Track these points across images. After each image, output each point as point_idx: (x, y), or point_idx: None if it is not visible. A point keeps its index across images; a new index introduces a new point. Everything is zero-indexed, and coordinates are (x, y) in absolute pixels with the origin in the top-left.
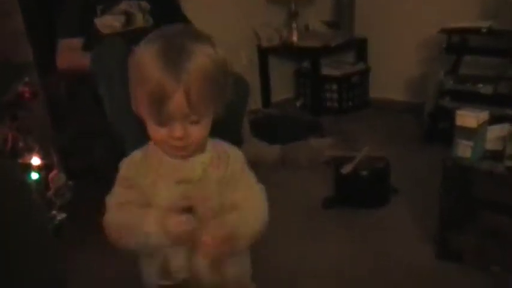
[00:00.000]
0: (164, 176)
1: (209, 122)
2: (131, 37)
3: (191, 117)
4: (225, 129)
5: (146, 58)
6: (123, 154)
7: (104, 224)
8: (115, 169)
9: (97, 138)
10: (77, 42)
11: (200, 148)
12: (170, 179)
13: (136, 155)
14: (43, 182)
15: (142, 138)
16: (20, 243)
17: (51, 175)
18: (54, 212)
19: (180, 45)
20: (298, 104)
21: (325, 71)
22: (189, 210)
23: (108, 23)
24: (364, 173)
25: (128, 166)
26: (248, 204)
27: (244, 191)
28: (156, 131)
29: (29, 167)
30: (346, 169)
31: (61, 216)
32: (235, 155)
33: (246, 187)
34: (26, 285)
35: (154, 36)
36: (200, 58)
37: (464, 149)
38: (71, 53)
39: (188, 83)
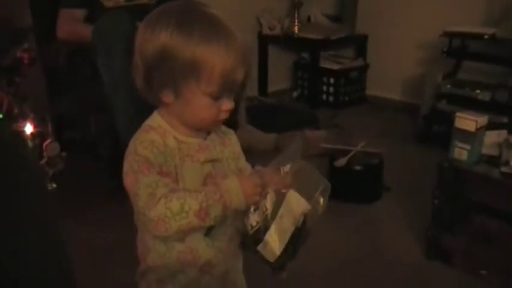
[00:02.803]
0: (189, 156)
1: None
2: (134, 12)
3: (240, 88)
4: None
5: (199, 33)
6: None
7: (158, 218)
8: (109, 143)
9: (93, 111)
10: (79, 13)
11: None
12: (195, 159)
13: (153, 137)
14: (36, 150)
15: (133, 113)
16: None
17: (45, 144)
18: (45, 182)
19: (220, 21)
20: (294, 95)
21: (324, 64)
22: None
23: None
24: (358, 167)
25: (153, 150)
26: None
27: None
28: (206, 109)
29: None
30: (340, 162)
31: (51, 186)
32: (229, 131)
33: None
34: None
35: (188, 23)
36: (238, 34)
37: (460, 152)
38: (72, 24)
39: (248, 58)
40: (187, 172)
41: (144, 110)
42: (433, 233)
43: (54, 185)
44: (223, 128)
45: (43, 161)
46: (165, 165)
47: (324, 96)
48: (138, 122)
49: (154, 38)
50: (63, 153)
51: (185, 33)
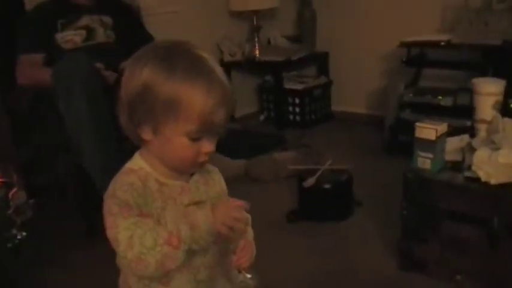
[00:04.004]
0: (172, 199)
1: None
2: (92, 52)
3: (221, 131)
4: None
5: (183, 75)
6: (84, 169)
7: (135, 259)
8: (77, 185)
9: (59, 153)
10: (38, 57)
11: None
12: (179, 201)
13: (132, 180)
14: (3, 200)
15: (99, 153)
16: None
17: (11, 193)
18: (14, 230)
19: (205, 62)
20: (261, 118)
21: (288, 84)
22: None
23: (69, 38)
24: (327, 186)
25: (133, 194)
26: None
27: None
28: (185, 149)
29: None
30: (309, 183)
31: (21, 234)
32: (213, 169)
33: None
34: None
35: (172, 60)
36: (224, 76)
37: (423, 161)
38: (31, 68)
39: (230, 100)
40: (170, 215)
41: (111, 148)
42: (404, 245)
43: (24, 233)
44: (208, 166)
45: (10, 211)
46: (146, 208)
47: (291, 117)
48: (105, 160)
49: (137, 74)
50: (31, 201)
51: (167, 69)
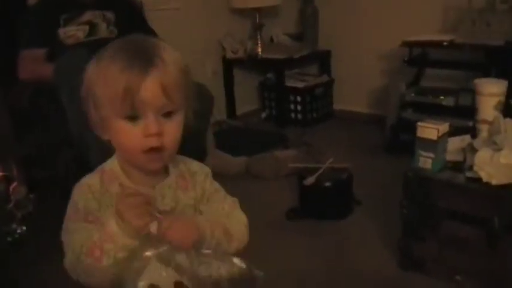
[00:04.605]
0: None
1: (181, 121)
2: (94, 47)
3: (165, 108)
4: (188, 141)
5: (108, 58)
6: (87, 164)
7: (68, 267)
8: (78, 179)
9: (60, 148)
10: (40, 52)
11: (170, 160)
12: None
13: (92, 181)
14: (3, 194)
15: (101, 148)
16: None
17: (11, 187)
18: (14, 225)
19: (144, 41)
20: (263, 115)
21: (289, 82)
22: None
23: (71, 33)
24: (327, 184)
25: (87, 196)
26: (229, 213)
27: (217, 206)
28: (127, 134)
29: None
30: (309, 181)
31: (21, 229)
32: (199, 170)
33: (218, 201)
34: None
35: (112, 46)
36: (168, 49)
37: (425, 161)
38: (33, 63)
39: (161, 67)
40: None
41: None
42: (404, 243)
43: (24, 228)
44: (194, 166)
45: (11, 205)
46: (98, 213)
47: (292, 115)
48: (107, 155)
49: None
50: (32, 195)
51: (97, 61)
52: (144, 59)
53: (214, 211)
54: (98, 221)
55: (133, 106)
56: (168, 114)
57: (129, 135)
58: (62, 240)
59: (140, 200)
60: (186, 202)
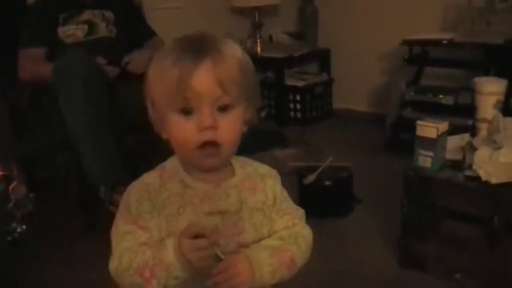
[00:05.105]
0: (192, 205)
1: (240, 116)
2: (93, 47)
3: (220, 101)
4: None
5: (164, 54)
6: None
7: (114, 272)
8: (77, 181)
9: (60, 148)
10: (39, 51)
11: (229, 158)
12: (199, 209)
13: (151, 179)
14: (3, 194)
15: (96, 151)
16: None
17: (11, 187)
18: (14, 224)
19: (202, 35)
20: (262, 114)
21: (289, 81)
22: (202, 235)
23: (71, 32)
24: (327, 183)
25: (142, 195)
26: (298, 233)
27: (288, 219)
28: (181, 128)
29: None
30: (309, 180)
31: (21, 228)
32: (268, 172)
33: (290, 213)
34: None
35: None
36: (229, 42)
37: (424, 159)
38: (33, 63)
39: (216, 58)
40: (183, 225)
41: (109, 146)
42: (404, 242)
43: (24, 227)
44: (263, 168)
45: (11, 204)
46: (146, 218)
47: (292, 114)
48: (102, 159)
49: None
50: (31, 194)
51: (154, 59)
52: (197, 50)
53: (285, 227)
54: (147, 228)
55: (186, 98)
56: (224, 109)
57: (183, 129)
58: (111, 238)
59: (205, 244)
60: (253, 205)
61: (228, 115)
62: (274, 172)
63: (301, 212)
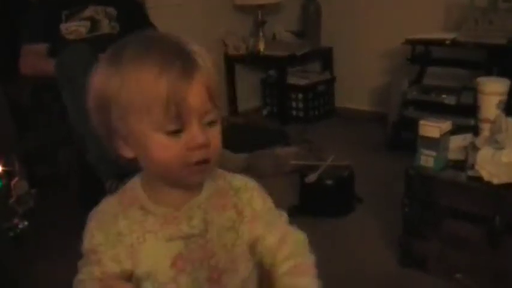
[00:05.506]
0: (152, 232)
1: (221, 129)
2: (96, 43)
3: (209, 115)
4: None
5: (133, 60)
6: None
7: None
8: (79, 177)
9: (61, 145)
10: (42, 47)
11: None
12: (160, 235)
13: (107, 207)
14: (5, 189)
15: (100, 146)
16: None
17: (13, 182)
18: (16, 220)
19: (172, 38)
20: (264, 112)
21: (291, 80)
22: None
23: (73, 28)
24: (329, 182)
25: (93, 229)
26: (297, 241)
27: (278, 232)
28: (167, 149)
29: None
30: (311, 178)
31: (23, 224)
32: (244, 185)
33: (277, 225)
34: None
35: (119, 53)
36: (200, 47)
37: (426, 159)
38: (35, 59)
39: (204, 69)
40: (147, 253)
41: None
42: (405, 241)
43: (26, 223)
44: (237, 181)
45: (12, 200)
46: (100, 249)
47: (294, 112)
48: (106, 153)
49: (90, 87)
50: (33, 190)
51: (113, 64)
52: (184, 59)
53: (278, 241)
54: (101, 262)
55: (179, 116)
56: (210, 123)
57: (170, 150)
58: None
59: None
60: (222, 224)
61: (215, 129)
62: (251, 184)
63: (285, 217)
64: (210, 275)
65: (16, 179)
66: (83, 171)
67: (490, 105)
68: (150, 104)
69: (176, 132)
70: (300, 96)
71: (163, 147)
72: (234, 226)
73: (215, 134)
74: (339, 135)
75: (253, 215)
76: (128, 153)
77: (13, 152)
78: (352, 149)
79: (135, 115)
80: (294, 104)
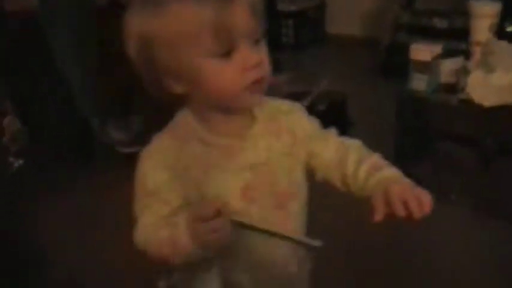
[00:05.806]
0: (217, 164)
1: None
2: None
3: (256, 33)
4: None
5: (171, 5)
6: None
7: (137, 245)
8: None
9: (49, 85)
10: None
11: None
12: (228, 167)
13: (164, 143)
14: None
15: (82, 81)
16: None
17: (5, 121)
18: (11, 158)
19: None
20: None
21: (281, 6)
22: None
23: None
24: (321, 107)
25: (155, 168)
26: (354, 145)
27: (333, 142)
28: (221, 74)
29: None
30: (303, 104)
31: (18, 162)
32: (293, 107)
33: (329, 136)
34: None
35: None
36: None
37: (418, 82)
38: None
39: None
40: (214, 187)
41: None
42: (397, 164)
43: (21, 161)
44: (285, 105)
45: (6, 138)
46: (164, 189)
47: (284, 39)
48: (87, 89)
49: (128, 30)
50: (25, 128)
51: (147, 5)
52: None
53: (336, 150)
54: (167, 201)
55: (227, 38)
56: (257, 41)
57: (225, 73)
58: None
59: (220, 224)
60: (281, 150)
61: (262, 46)
62: (297, 105)
63: (334, 130)
64: (276, 202)
65: (8, 116)
66: (72, 115)
67: (481, 27)
68: (198, 32)
69: (228, 55)
70: (291, 22)
71: (218, 72)
72: (292, 150)
73: (263, 51)
74: (330, 60)
75: (305, 134)
76: (177, 89)
77: (3, 91)
78: (344, 75)
79: (184, 47)
80: (284, 31)
